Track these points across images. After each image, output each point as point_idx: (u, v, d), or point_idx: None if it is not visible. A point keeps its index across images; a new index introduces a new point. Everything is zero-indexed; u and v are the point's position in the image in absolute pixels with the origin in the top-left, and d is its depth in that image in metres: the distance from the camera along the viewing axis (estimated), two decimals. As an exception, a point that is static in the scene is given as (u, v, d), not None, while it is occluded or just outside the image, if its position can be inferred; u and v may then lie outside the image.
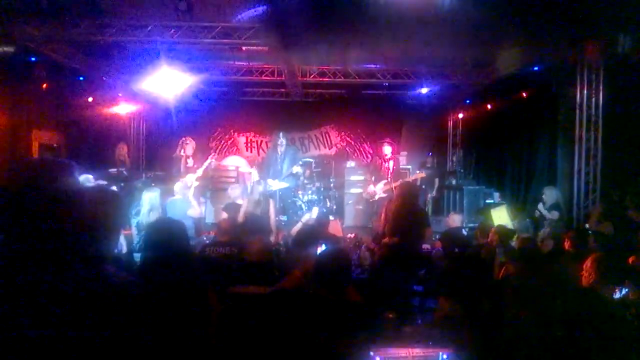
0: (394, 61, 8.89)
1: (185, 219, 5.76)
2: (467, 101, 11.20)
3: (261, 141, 12.38)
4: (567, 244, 4.89)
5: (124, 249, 5.14)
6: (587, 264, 3.25)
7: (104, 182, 6.18)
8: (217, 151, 11.92)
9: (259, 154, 12.25)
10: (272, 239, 5.97)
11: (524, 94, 8.89)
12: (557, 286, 3.50)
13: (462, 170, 10.70)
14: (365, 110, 11.70)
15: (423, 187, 9.67)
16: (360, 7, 5.02)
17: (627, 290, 3.18)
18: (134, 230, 5.50)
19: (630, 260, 4.04)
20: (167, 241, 2.30)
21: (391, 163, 8.42)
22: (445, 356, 2.19)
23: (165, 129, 11.35)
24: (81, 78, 8.75)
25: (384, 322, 2.94)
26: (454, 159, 11.65)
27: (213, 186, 9.89)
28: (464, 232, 7.05)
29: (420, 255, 5.42)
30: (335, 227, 7.92)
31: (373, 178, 8.52)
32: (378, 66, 9.30)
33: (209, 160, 8.50)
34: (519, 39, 5.95)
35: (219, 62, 9.21)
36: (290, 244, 5.42)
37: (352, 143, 12.40)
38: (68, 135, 8.99)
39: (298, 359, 2.43)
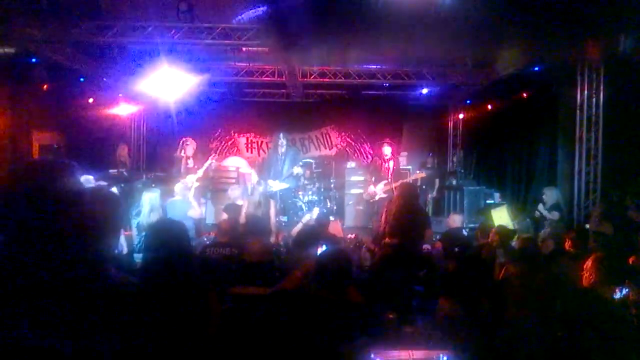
0: (394, 61, 8.90)
1: (186, 219, 5.76)
2: (468, 101, 11.20)
3: (262, 142, 12.37)
4: (567, 245, 4.90)
5: (125, 250, 5.14)
6: (588, 264, 3.26)
7: (105, 183, 6.17)
8: (218, 152, 11.90)
9: (259, 155, 12.24)
10: (273, 239, 5.97)
11: (524, 94, 8.88)
12: (558, 286, 3.51)
13: (462, 171, 10.70)
14: (365, 111, 11.68)
15: (423, 187, 9.69)
16: (360, 7, 5.03)
17: (627, 290, 3.17)
18: (134, 231, 5.51)
19: (631, 260, 4.04)
20: (167, 242, 2.29)
21: (391, 163, 8.40)
22: (445, 358, 2.19)
23: (165, 130, 11.32)
24: (82, 79, 8.74)
25: (384, 323, 2.94)
26: (454, 159, 11.65)
27: (213, 187, 9.89)
28: (465, 232, 7.05)
29: (421, 256, 5.40)
30: (335, 228, 7.92)
31: (373, 178, 8.51)
32: (378, 66, 9.31)
33: (209, 161, 8.49)
34: (519, 39, 5.95)
35: (220, 62, 9.23)
36: (290, 244, 5.43)
37: (353, 143, 12.38)
38: (68, 136, 8.98)
39: (298, 360, 2.43)
